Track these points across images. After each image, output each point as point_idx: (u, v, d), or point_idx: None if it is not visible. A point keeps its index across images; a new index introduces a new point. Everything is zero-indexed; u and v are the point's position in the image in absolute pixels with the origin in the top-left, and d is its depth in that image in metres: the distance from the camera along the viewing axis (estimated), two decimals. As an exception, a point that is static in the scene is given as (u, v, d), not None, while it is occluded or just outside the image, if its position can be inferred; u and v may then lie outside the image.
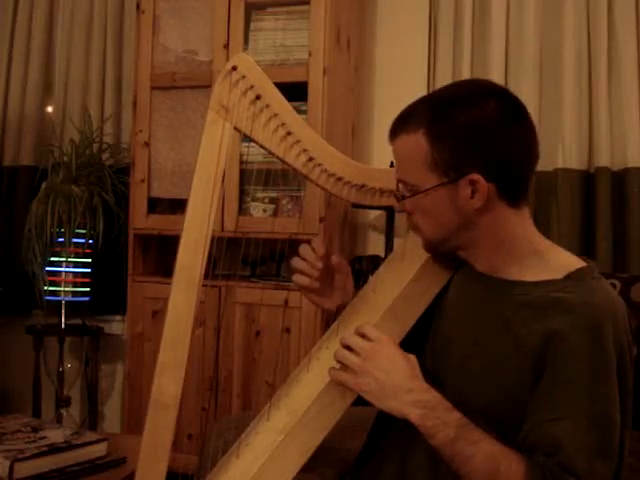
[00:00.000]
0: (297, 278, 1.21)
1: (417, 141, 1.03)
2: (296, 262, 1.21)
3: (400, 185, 1.11)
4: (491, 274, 1.09)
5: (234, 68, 1.10)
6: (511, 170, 1.04)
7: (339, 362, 1.04)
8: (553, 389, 0.97)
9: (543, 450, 0.95)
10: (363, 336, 1.04)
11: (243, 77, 1.10)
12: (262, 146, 1.13)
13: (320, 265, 1.20)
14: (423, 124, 1.03)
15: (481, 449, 0.96)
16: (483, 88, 1.08)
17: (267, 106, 1.12)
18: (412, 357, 1.05)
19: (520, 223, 1.07)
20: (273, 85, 1.13)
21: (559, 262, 1.05)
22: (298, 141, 1.14)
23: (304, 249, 1.20)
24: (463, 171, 1.02)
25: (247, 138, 1.13)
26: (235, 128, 1.10)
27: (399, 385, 1.00)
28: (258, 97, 1.11)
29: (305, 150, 1.15)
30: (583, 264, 1.05)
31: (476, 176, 1.01)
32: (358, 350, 1.03)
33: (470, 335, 1.07)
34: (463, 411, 0.99)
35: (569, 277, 1.02)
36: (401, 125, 1.07)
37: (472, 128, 1.01)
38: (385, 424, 1.14)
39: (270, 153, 1.14)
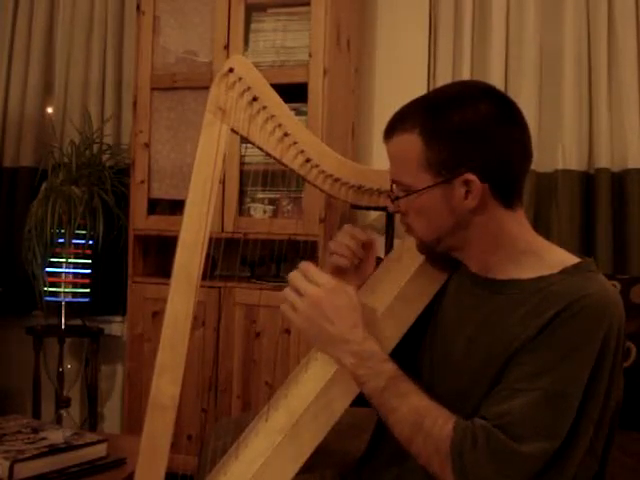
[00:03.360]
0: (336, 259, 1.22)
1: (412, 141, 1.04)
2: (336, 245, 1.22)
3: (394, 186, 1.11)
4: (485, 274, 1.09)
5: (231, 70, 1.10)
6: (504, 171, 1.04)
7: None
8: (522, 363, 0.97)
9: (492, 415, 0.95)
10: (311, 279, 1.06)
11: (240, 79, 1.10)
12: (259, 148, 1.13)
13: (362, 253, 1.22)
14: (418, 124, 1.04)
15: (407, 402, 0.99)
16: (477, 89, 1.08)
17: (264, 108, 1.12)
18: (356, 304, 1.06)
19: (515, 223, 1.07)
20: (270, 87, 1.13)
21: (556, 259, 1.05)
22: (295, 142, 1.14)
23: (343, 234, 1.21)
24: (457, 171, 1.02)
25: (245, 140, 1.13)
26: (232, 130, 1.10)
27: (339, 335, 1.04)
28: (255, 99, 1.11)
29: (302, 151, 1.15)
30: (580, 260, 1.05)
31: (470, 176, 1.01)
32: (303, 293, 1.06)
33: (467, 335, 1.07)
34: (465, 409, 0.99)
35: (565, 271, 1.02)
36: (396, 125, 1.07)
37: (466, 128, 1.02)
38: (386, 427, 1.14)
39: (267, 155, 1.14)
